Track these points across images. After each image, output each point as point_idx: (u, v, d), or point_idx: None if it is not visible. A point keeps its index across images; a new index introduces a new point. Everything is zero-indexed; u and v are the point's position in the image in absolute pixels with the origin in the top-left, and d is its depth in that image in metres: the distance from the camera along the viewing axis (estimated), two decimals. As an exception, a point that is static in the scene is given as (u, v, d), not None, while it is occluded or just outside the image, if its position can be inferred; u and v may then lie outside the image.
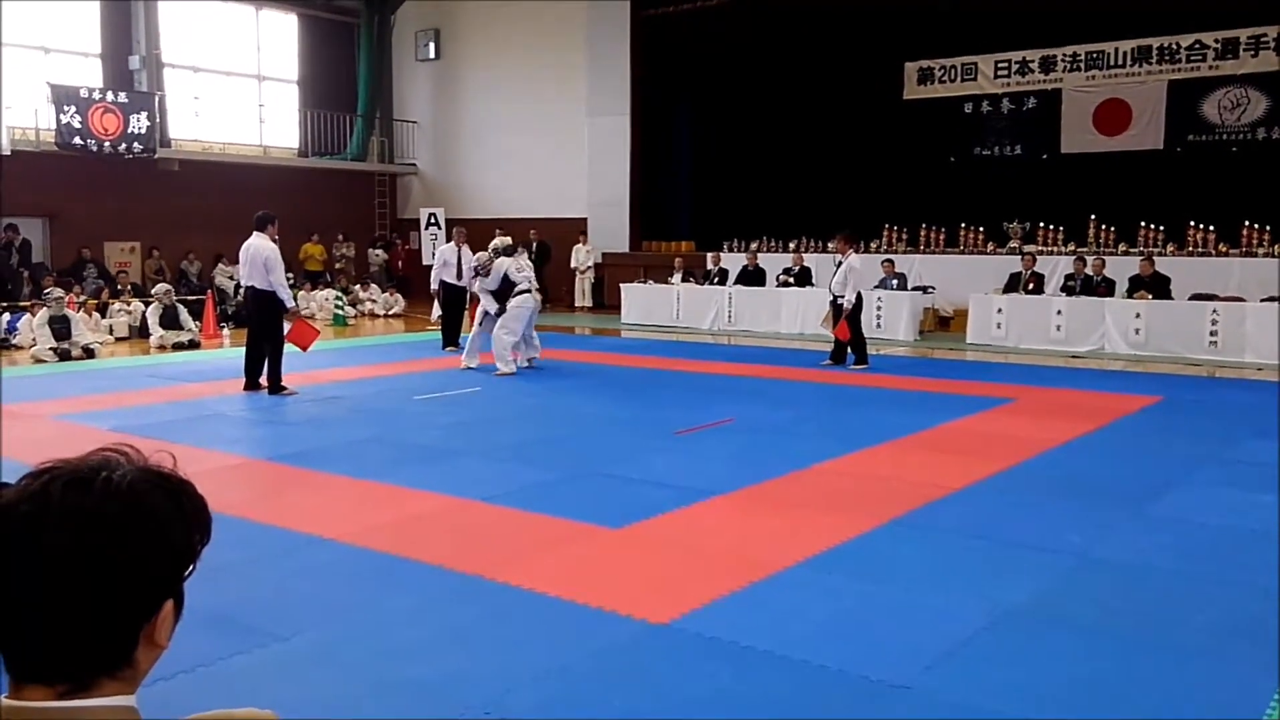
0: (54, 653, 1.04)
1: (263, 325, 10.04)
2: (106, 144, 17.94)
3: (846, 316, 11.73)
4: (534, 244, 20.72)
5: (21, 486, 1.07)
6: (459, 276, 13.47)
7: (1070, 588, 4.59)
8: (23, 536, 1.03)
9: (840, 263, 11.97)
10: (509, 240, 12.48)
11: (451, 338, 13.70)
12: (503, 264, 11.61)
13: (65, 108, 17.48)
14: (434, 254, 17.19)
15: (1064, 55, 16.80)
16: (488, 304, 11.65)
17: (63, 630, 1.03)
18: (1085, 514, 5.73)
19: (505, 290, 11.52)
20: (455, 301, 13.74)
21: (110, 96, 18.13)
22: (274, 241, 9.97)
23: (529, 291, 11.65)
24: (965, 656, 3.80)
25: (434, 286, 13.82)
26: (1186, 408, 9.31)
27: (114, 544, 1.04)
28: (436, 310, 14.11)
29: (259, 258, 9.83)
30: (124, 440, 1.18)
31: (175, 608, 1.12)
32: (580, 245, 20.50)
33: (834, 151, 18.36)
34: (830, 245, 16.47)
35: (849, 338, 11.82)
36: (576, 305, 20.33)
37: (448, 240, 18.79)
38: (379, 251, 22.99)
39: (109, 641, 1.06)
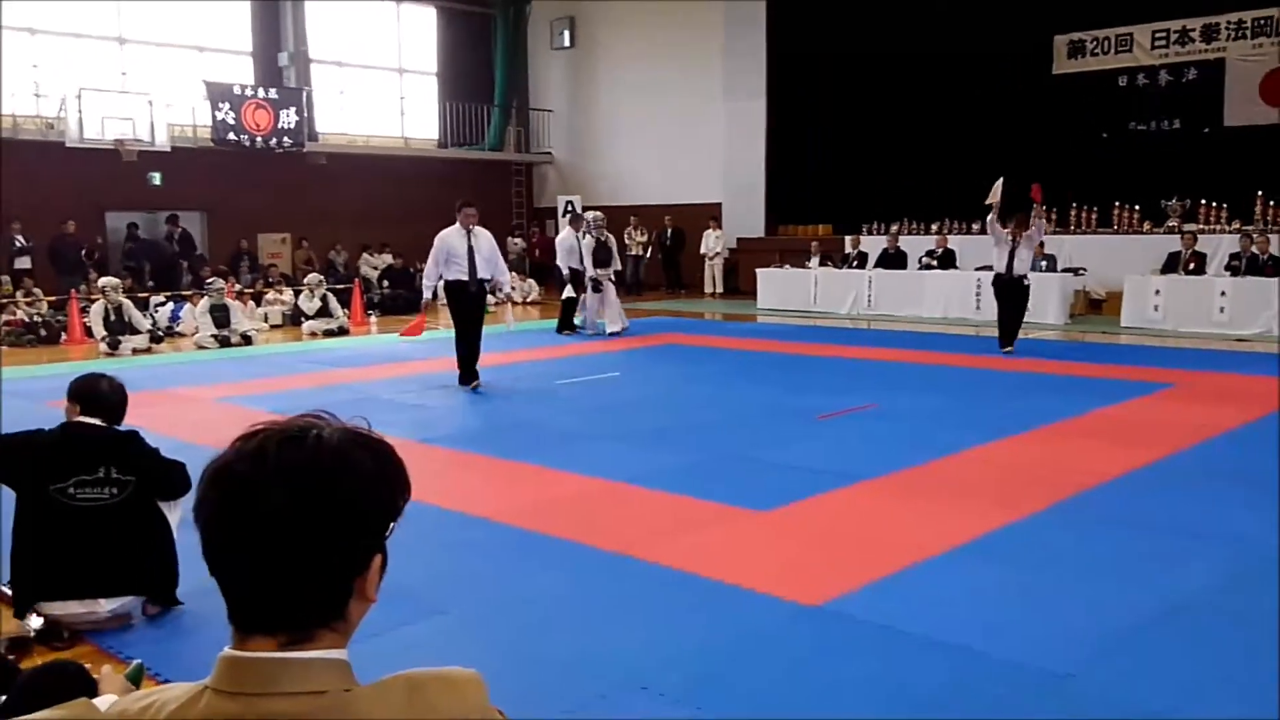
0: (275, 604, 1.08)
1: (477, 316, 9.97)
2: (259, 139, 18.70)
3: None
4: (669, 230, 20.79)
5: (236, 447, 1.11)
6: (582, 261, 13.84)
7: (1242, 581, 4.35)
8: (242, 493, 1.07)
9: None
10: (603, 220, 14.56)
11: (568, 322, 14.02)
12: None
13: (220, 105, 18.28)
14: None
15: (1228, 22, 15.89)
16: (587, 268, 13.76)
17: (282, 582, 1.07)
18: (1254, 504, 5.42)
19: (604, 258, 13.77)
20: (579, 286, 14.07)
21: (261, 93, 18.87)
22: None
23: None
24: (1131, 647, 3.65)
25: (565, 272, 14.02)
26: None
27: (327, 497, 1.07)
28: (568, 291, 14.24)
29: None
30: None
31: (382, 562, 1.15)
32: (710, 230, 20.40)
33: (978, 130, 17.77)
34: (974, 227, 16.01)
35: None
36: (707, 291, 20.27)
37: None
38: (517, 240, 23.37)
39: (325, 593, 1.09)
